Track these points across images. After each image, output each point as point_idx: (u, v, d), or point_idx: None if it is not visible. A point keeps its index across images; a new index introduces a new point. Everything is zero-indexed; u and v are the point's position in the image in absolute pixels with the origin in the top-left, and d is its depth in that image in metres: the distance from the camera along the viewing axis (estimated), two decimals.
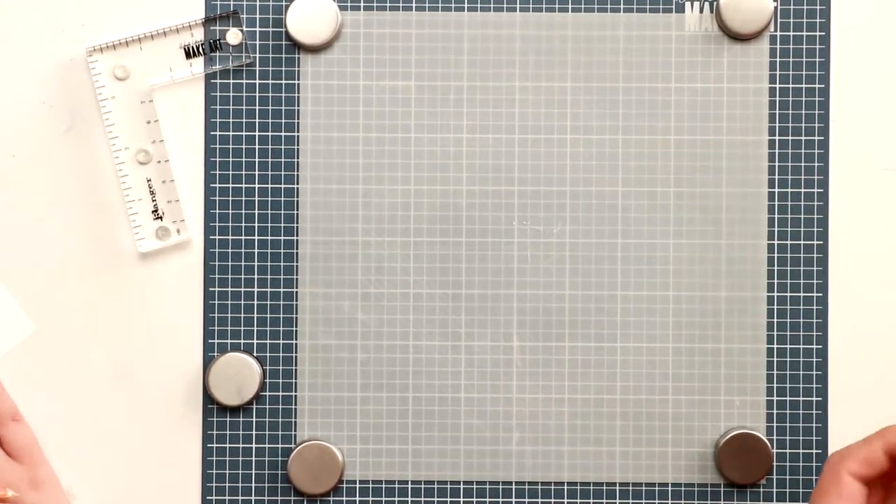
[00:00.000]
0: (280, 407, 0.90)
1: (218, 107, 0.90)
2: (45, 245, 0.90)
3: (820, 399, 0.90)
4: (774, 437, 0.90)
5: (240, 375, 0.90)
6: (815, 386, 0.90)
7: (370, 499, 0.91)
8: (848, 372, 0.90)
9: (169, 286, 0.90)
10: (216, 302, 0.90)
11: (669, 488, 0.90)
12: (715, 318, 0.90)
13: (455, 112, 0.91)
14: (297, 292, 0.90)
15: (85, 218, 0.90)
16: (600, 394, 0.90)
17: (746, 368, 0.90)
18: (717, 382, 0.90)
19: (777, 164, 0.90)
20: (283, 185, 0.90)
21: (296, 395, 0.90)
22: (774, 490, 0.90)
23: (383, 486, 0.90)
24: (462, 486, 0.90)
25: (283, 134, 0.90)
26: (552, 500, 0.90)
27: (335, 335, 0.90)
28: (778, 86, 0.90)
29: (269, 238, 0.90)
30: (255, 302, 0.90)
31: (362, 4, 0.91)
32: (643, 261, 0.90)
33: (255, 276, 0.90)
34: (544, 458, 0.90)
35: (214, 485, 0.90)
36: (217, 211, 0.90)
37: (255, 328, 0.90)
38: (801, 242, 0.90)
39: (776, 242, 0.90)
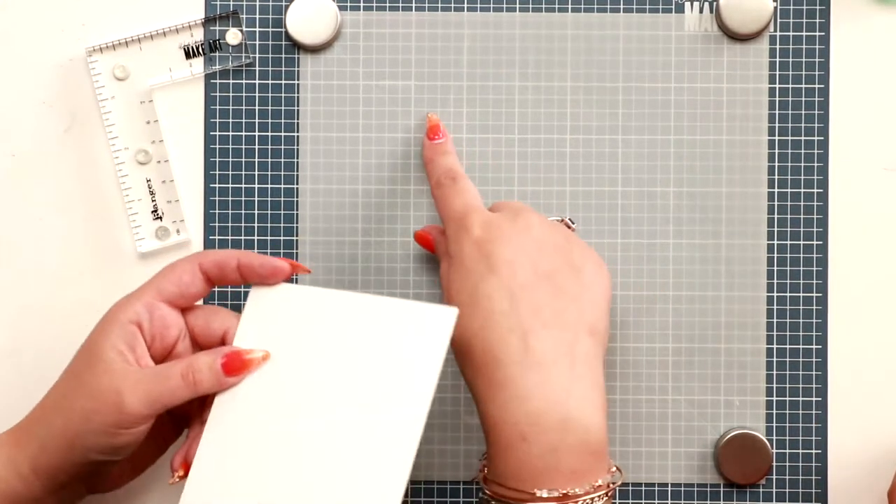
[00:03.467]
0: None
1: (218, 107, 0.90)
2: (45, 245, 0.90)
3: (820, 399, 0.90)
4: (774, 437, 0.90)
5: None
6: (814, 386, 0.90)
7: None
8: (848, 372, 0.90)
9: None
10: (216, 302, 0.90)
11: (669, 488, 0.90)
12: (715, 318, 0.90)
13: (455, 112, 0.90)
14: None
15: (85, 218, 0.90)
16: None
17: (746, 368, 0.90)
18: (717, 382, 0.90)
19: (777, 164, 0.90)
20: (282, 185, 0.90)
21: None
22: (774, 490, 0.90)
23: None
24: (462, 487, 0.90)
25: (282, 134, 0.90)
26: None
27: None
28: (778, 86, 0.90)
29: (269, 238, 0.90)
30: None
31: (362, 4, 0.91)
32: (643, 261, 0.90)
33: None
34: None
35: None
36: (217, 211, 0.90)
37: None
38: (801, 242, 0.90)
39: (776, 242, 0.90)
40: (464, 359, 0.78)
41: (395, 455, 0.76)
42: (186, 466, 0.80)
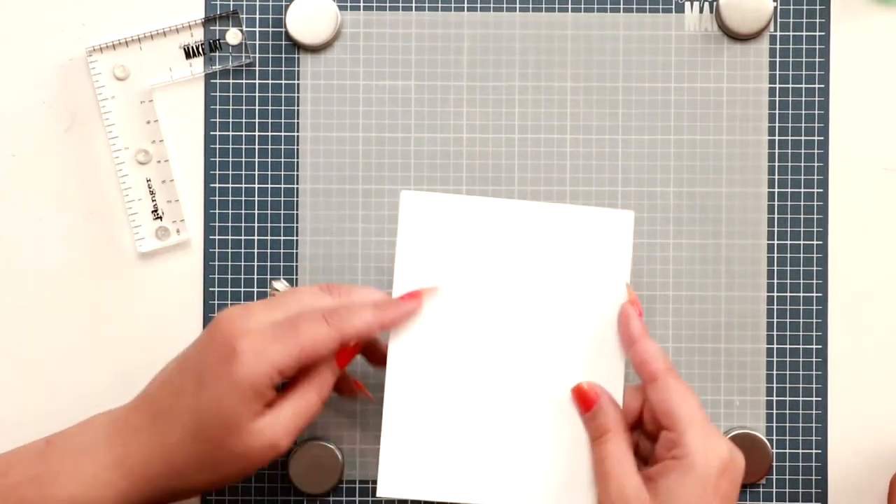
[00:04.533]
0: None
1: (218, 107, 0.90)
2: (45, 245, 0.90)
3: (820, 399, 0.90)
4: (774, 437, 0.90)
5: None
6: (815, 386, 0.90)
7: (370, 499, 0.90)
8: (848, 372, 0.90)
9: (169, 286, 0.90)
10: (216, 302, 0.90)
11: None
12: (715, 318, 0.90)
13: (455, 112, 0.90)
14: None
15: (85, 218, 0.90)
16: None
17: (746, 368, 0.90)
18: (717, 382, 0.90)
19: (777, 164, 0.90)
20: (283, 185, 0.90)
21: None
22: (774, 490, 0.90)
23: None
24: None
25: (283, 134, 0.90)
26: None
27: None
28: (778, 86, 0.90)
29: (269, 238, 0.90)
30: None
31: (362, 4, 0.91)
32: (643, 261, 0.90)
33: (255, 276, 0.90)
34: None
35: None
36: (217, 211, 0.90)
37: None
38: (801, 242, 0.90)
39: (776, 242, 0.90)
40: None
41: (608, 357, 0.80)
42: (359, 386, 0.84)
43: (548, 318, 0.81)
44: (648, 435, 0.81)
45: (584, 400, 0.80)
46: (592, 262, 0.81)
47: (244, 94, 0.90)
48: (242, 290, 0.90)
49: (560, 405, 0.80)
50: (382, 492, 0.80)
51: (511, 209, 0.81)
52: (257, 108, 0.90)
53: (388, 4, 0.90)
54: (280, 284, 0.85)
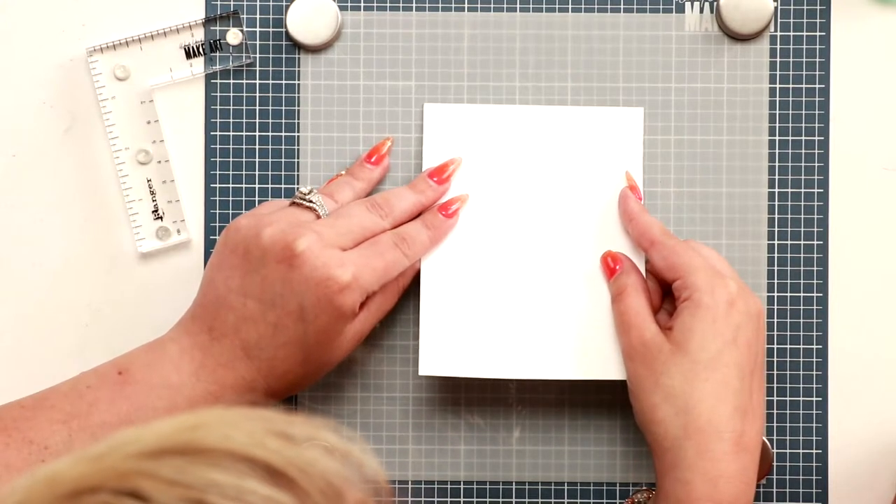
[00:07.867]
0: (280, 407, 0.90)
1: (218, 107, 0.90)
2: (45, 245, 0.90)
3: (820, 399, 0.90)
4: (774, 437, 0.90)
5: None
6: (815, 386, 0.90)
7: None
8: (848, 372, 0.90)
9: (169, 286, 0.90)
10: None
11: None
12: None
13: None
14: None
15: (85, 218, 0.90)
16: (600, 393, 0.90)
17: None
18: None
19: (777, 164, 0.90)
20: (283, 186, 0.90)
21: (296, 395, 0.90)
22: (774, 490, 0.90)
23: None
24: (462, 487, 0.90)
25: (283, 134, 0.90)
26: (552, 500, 0.90)
27: None
28: (778, 86, 0.90)
29: None
30: None
31: (362, 4, 0.91)
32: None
33: None
34: (544, 458, 0.90)
35: None
36: (217, 211, 0.90)
37: None
38: (801, 242, 0.90)
39: (776, 242, 0.90)
40: (680, 416, 0.81)
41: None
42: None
43: (569, 208, 0.87)
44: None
45: (609, 266, 0.86)
46: (607, 157, 0.88)
47: (244, 94, 0.90)
48: None
49: (583, 284, 0.87)
50: (424, 370, 0.86)
51: (528, 114, 0.88)
52: (257, 108, 0.90)
53: (388, 4, 0.90)
54: (306, 189, 0.85)
